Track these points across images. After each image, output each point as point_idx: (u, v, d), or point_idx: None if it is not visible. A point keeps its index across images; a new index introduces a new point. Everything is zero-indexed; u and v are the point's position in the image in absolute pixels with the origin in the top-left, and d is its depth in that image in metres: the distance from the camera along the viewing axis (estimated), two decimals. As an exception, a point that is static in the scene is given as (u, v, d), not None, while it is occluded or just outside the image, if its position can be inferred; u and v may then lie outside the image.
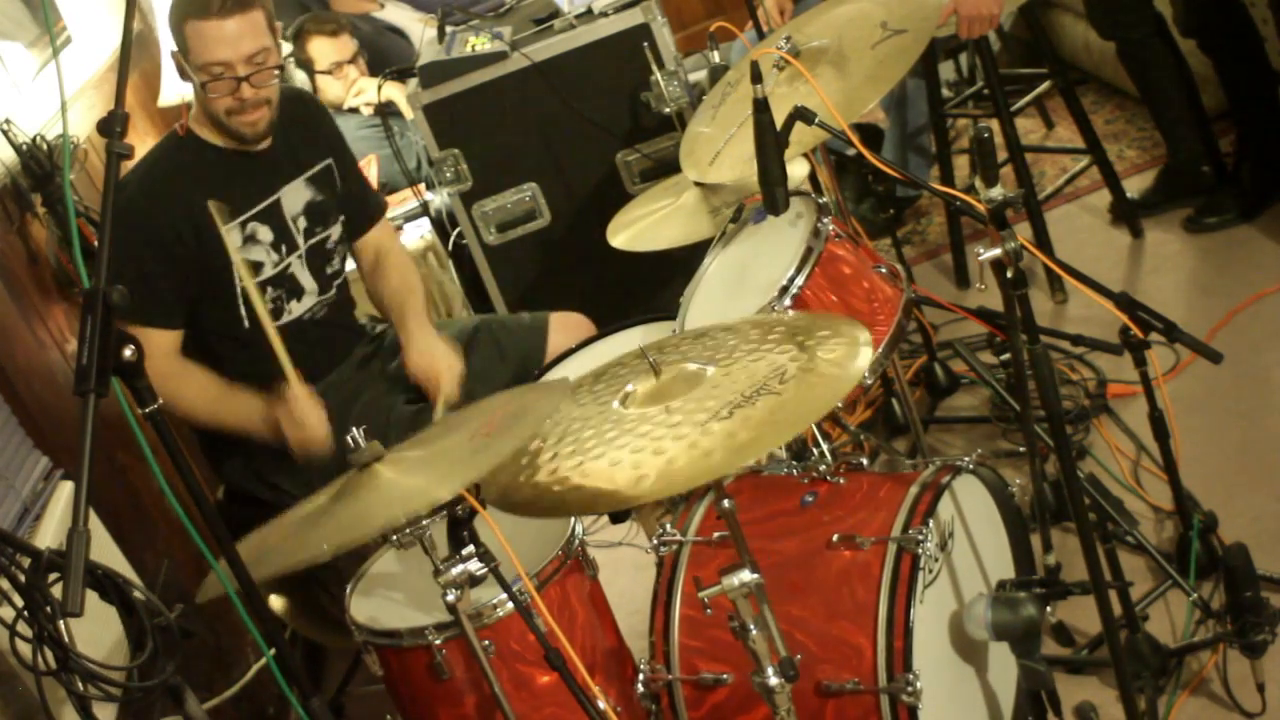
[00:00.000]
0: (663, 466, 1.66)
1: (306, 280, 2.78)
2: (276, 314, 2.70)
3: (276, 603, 2.84)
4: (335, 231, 2.85)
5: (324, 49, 4.32)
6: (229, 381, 2.65)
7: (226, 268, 2.61)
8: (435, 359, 2.77)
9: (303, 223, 2.77)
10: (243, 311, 2.67)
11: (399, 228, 4.09)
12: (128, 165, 2.83)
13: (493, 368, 2.91)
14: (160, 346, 2.58)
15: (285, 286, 2.74)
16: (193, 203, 2.58)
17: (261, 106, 2.61)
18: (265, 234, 2.69)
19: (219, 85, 2.55)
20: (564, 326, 3.00)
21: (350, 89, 4.35)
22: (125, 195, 2.56)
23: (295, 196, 2.76)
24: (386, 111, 4.01)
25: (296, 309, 2.76)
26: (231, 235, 2.62)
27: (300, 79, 4.31)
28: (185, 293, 2.62)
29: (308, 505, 2.04)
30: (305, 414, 2.58)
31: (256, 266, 2.68)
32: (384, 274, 2.97)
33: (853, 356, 1.78)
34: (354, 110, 4.37)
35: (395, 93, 4.13)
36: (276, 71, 2.62)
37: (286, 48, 4.41)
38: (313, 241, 2.79)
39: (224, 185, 2.63)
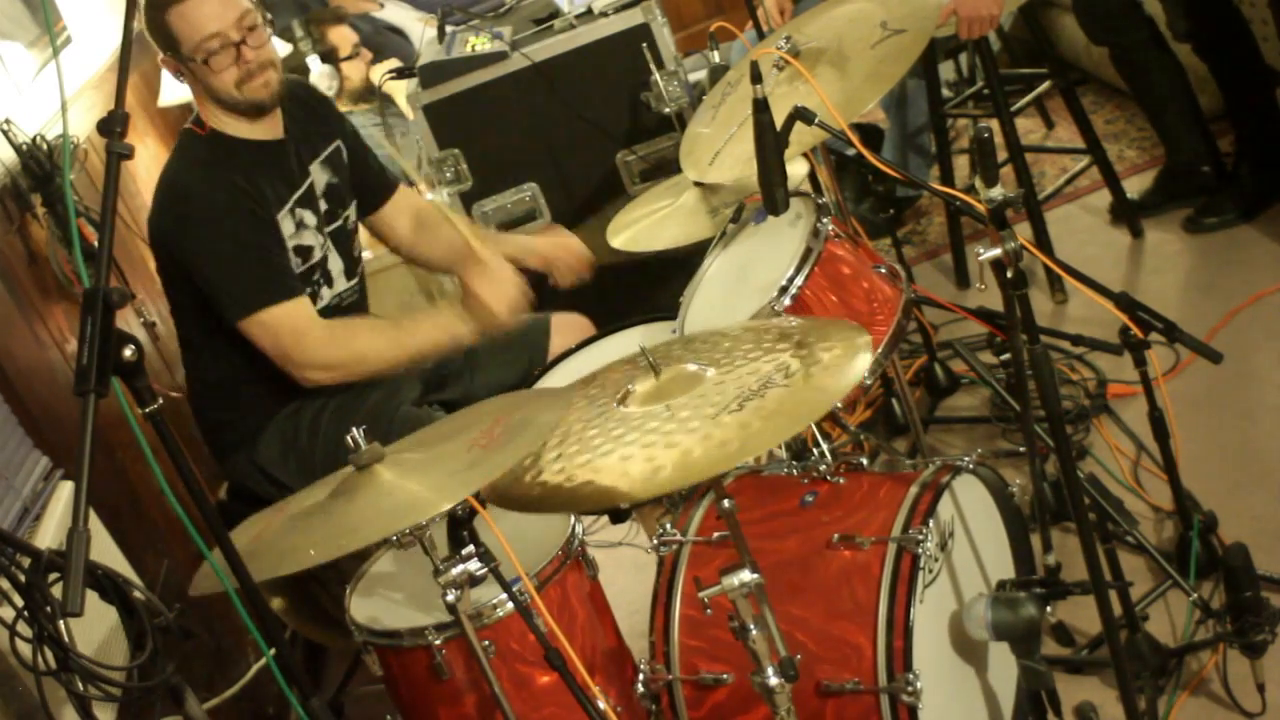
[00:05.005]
0: (678, 458, 1.66)
1: (335, 263, 2.78)
2: (313, 299, 2.70)
3: (278, 605, 2.84)
4: (352, 213, 2.86)
5: (342, 36, 4.40)
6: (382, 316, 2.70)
7: (283, 246, 2.64)
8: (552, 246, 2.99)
9: (324, 205, 2.78)
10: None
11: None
12: (129, 166, 2.82)
13: (497, 367, 2.92)
14: (309, 315, 2.59)
15: (321, 270, 2.74)
16: (244, 188, 2.58)
17: (267, 68, 2.60)
18: (310, 218, 2.69)
19: (220, 58, 2.54)
20: (565, 327, 3.01)
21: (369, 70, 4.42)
22: (196, 203, 2.56)
23: (318, 179, 2.77)
24: (386, 112, 4.03)
25: (327, 295, 2.76)
26: (285, 223, 2.63)
27: (327, 70, 4.36)
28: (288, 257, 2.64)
29: (306, 498, 2.03)
30: (501, 275, 2.65)
31: (308, 251, 2.68)
32: (432, 229, 2.99)
33: (853, 353, 1.79)
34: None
35: (396, 92, 4.15)
36: (268, 30, 2.62)
37: (286, 49, 4.43)
38: (335, 224, 2.80)
39: (263, 174, 2.63)
